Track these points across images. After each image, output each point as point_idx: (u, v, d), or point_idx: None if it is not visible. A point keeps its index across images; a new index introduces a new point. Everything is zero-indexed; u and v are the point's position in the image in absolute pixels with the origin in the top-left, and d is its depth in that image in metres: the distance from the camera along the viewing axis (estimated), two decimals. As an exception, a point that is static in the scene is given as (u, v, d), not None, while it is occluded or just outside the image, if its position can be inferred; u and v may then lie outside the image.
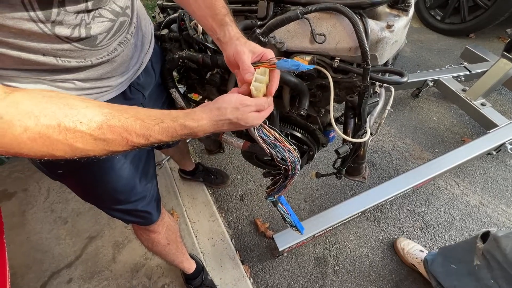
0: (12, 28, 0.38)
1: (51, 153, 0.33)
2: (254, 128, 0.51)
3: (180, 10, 0.82)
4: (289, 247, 1.19)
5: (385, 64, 0.71)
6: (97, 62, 0.50)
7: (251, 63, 0.48)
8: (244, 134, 0.85)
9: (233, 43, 0.49)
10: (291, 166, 0.53)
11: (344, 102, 0.82)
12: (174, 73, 0.86)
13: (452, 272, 0.98)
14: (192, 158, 1.57)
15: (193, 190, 1.54)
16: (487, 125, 1.65)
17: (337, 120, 0.88)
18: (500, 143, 1.54)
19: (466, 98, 1.74)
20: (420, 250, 1.22)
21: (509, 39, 1.57)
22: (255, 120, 0.46)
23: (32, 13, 0.38)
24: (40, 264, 1.28)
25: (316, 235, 1.23)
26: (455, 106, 1.95)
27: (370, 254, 1.32)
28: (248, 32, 0.67)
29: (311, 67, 0.49)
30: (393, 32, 0.62)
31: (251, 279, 1.25)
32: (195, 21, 0.78)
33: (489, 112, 1.67)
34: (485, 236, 0.88)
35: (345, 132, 0.80)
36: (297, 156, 0.53)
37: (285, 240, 1.19)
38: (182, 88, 0.94)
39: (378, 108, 0.85)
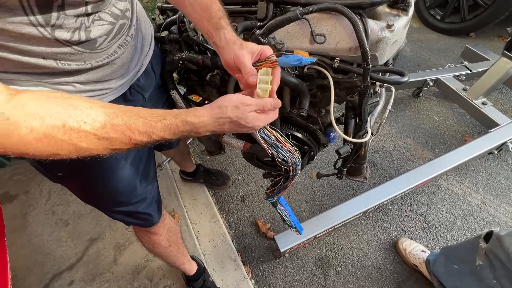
0: (12, 32, 0.38)
1: (56, 153, 0.34)
2: (256, 130, 0.50)
3: (179, 12, 0.82)
4: (291, 248, 1.19)
5: (386, 64, 0.71)
6: (97, 64, 0.50)
7: (252, 64, 0.47)
8: (245, 135, 0.85)
9: (230, 47, 0.49)
10: (292, 167, 0.53)
11: (344, 102, 0.82)
12: (174, 75, 0.86)
13: (454, 272, 0.98)
14: (193, 160, 1.57)
15: (194, 192, 1.54)
16: (488, 124, 1.65)
17: (337, 120, 0.88)
18: (502, 142, 1.53)
19: (467, 97, 1.74)
20: (422, 251, 1.21)
21: (510, 37, 1.57)
22: (255, 121, 0.45)
23: (32, 17, 0.38)
24: (41, 267, 1.28)
25: (317, 236, 1.23)
26: (456, 105, 1.94)
27: (372, 254, 1.31)
28: (248, 33, 0.68)
29: (313, 59, 0.48)
30: (393, 32, 0.62)
31: (252, 280, 1.24)
32: (194, 22, 0.78)
33: (490, 111, 1.67)
34: (488, 236, 0.87)
35: (345, 132, 0.80)
36: (298, 157, 0.53)
37: (287, 241, 1.19)
38: (182, 90, 0.94)
39: (379, 108, 0.85)
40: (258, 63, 0.48)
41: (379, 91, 0.82)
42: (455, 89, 1.81)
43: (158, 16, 0.94)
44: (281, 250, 1.17)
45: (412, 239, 1.33)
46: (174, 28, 0.85)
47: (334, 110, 0.70)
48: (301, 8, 0.61)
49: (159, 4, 0.92)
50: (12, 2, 0.36)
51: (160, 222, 0.84)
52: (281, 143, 0.51)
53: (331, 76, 0.67)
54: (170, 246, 0.94)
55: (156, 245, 0.90)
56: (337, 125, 0.71)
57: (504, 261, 0.79)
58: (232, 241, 1.35)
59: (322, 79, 0.72)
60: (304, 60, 0.46)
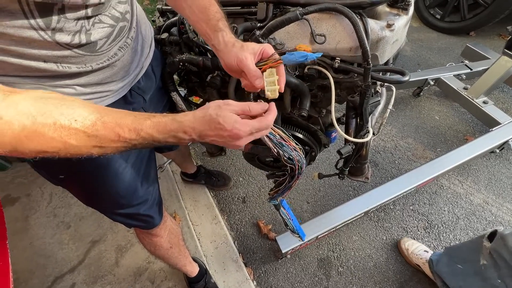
0: (13, 36, 0.38)
1: (44, 150, 0.34)
2: None
3: (179, 14, 0.82)
4: (292, 249, 1.19)
5: (386, 63, 0.71)
6: (98, 67, 0.50)
7: (255, 64, 0.47)
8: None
9: (230, 50, 0.49)
10: (298, 165, 0.52)
11: (345, 102, 0.82)
12: (175, 76, 0.86)
13: (458, 272, 0.97)
14: (194, 161, 1.56)
15: (195, 193, 1.54)
16: (490, 123, 1.64)
17: (338, 120, 0.87)
18: (503, 141, 1.53)
19: (468, 96, 1.73)
20: (424, 250, 1.20)
21: (510, 36, 1.56)
22: (234, 123, 0.41)
23: (32, 21, 0.38)
24: (43, 269, 1.28)
25: (319, 237, 1.22)
26: (456, 104, 1.94)
27: (374, 255, 1.31)
28: (248, 34, 0.68)
29: (319, 55, 0.48)
30: (393, 31, 0.61)
31: (254, 281, 1.24)
32: (194, 24, 0.78)
33: (492, 110, 1.66)
34: (492, 235, 0.87)
35: (347, 132, 0.80)
36: (303, 155, 0.53)
37: (288, 242, 1.18)
38: (182, 91, 0.94)
39: (380, 107, 0.85)
40: (261, 62, 0.47)
41: (380, 91, 0.82)
42: (456, 88, 1.80)
43: (158, 18, 0.94)
44: (283, 251, 1.17)
45: (414, 239, 1.33)
46: (174, 30, 0.85)
47: (335, 110, 0.70)
48: (301, 9, 0.61)
49: (159, 6, 0.92)
50: (12, 6, 0.36)
51: (161, 224, 0.83)
52: (286, 142, 0.50)
53: (332, 76, 0.67)
54: (171, 248, 0.94)
55: (158, 247, 0.90)
56: (338, 125, 0.71)
57: (508, 261, 0.79)
58: (234, 243, 1.35)
59: (322, 79, 0.72)
60: (310, 56, 0.46)
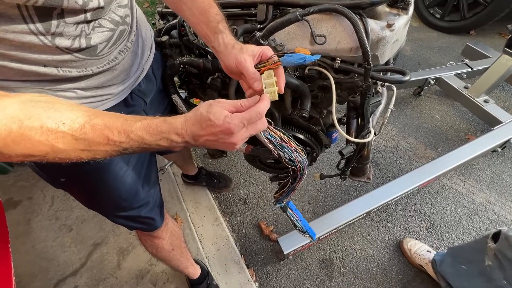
0: (13, 41, 0.38)
1: (31, 154, 0.33)
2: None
3: (179, 17, 0.83)
4: (294, 250, 1.18)
5: (387, 63, 0.71)
6: (98, 71, 0.51)
7: (254, 66, 0.47)
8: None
9: (229, 52, 0.49)
10: (300, 166, 0.52)
11: (346, 103, 0.82)
12: (175, 78, 0.86)
13: (462, 272, 0.97)
14: (195, 163, 1.56)
15: (197, 195, 1.54)
16: (491, 122, 1.64)
17: (339, 120, 0.87)
18: (505, 140, 1.52)
19: (469, 95, 1.73)
20: (427, 251, 1.20)
21: (510, 35, 1.56)
22: (226, 118, 0.39)
23: (32, 26, 0.38)
24: (45, 272, 1.28)
25: (321, 237, 1.22)
26: (457, 103, 1.93)
27: (377, 255, 1.30)
28: (248, 35, 0.68)
29: (318, 56, 0.48)
30: (393, 31, 0.61)
31: (256, 283, 1.24)
32: (194, 26, 0.78)
33: (493, 108, 1.66)
34: (496, 236, 0.86)
35: (348, 132, 0.80)
36: (304, 156, 0.52)
37: (290, 243, 1.18)
38: (183, 93, 0.94)
39: (381, 107, 0.85)
40: (260, 64, 0.47)
41: (380, 91, 0.81)
42: (456, 88, 1.80)
43: (158, 21, 0.94)
44: (285, 252, 1.16)
45: (416, 239, 1.32)
46: (174, 32, 0.85)
47: (336, 110, 0.70)
48: (300, 10, 0.61)
49: (159, 9, 0.92)
50: (12, 12, 0.36)
51: (163, 226, 0.83)
52: (287, 143, 0.50)
53: (332, 77, 0.67)
54: (173, 250, 0.94)
55: (159, 249, 0.90)
56: (339, 126, 0.71)
57: None
58: (236, 244, 1.34)
59: (323, 80, 0.72)
60: (308, 58, 0.46)
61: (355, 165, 0.92)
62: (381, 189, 1.33)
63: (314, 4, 0.61)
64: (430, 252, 1.19)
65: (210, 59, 0.75)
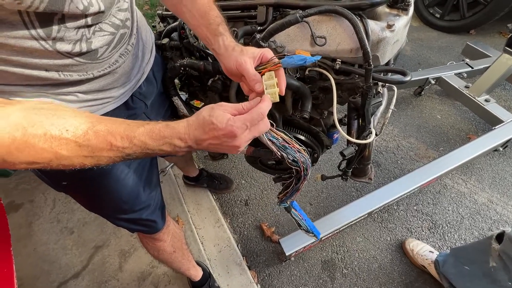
0: (14, 46, 0.38)
1: (35, 161, 0.33)
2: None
3: (180, 19, 0.83)
4: (296, 251, 1.18)
5: (387, 63, 0.71)
6: (99, 74, 0.51)
7: (255, 68, 0.47)
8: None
9: (230, 54, 0.49)
10: (303, 166, 0.52)
11: (346, 103, 0.82)
12: (176, 81, 0.86)
13: (465, 273, 0.96)
14: (196, 164, 1.56)
15: (198, 196, 1.54)
16: (492, 121, 1.63)
17: (340, 121, 0.87)
18: (507, 139, 1.52)
19: (470, 94, 1.73)
20: (430, 251, 1.19)
21: (510, 34, 1.56)
22: (229, 121, 0.39)
23: (33, 31, 0.39)
24: (47, 275, 1.28)
25: (323, 238, 1.21)
26: (458, 103, 1.93)
27: (379, 256, 1.30)
28: (248, 37, 0.68)
29: (318, 57, 0.48)
30: (393, 32, 0.61)
31: (258, 285, 1.23)
32: (195, 28, 0.78)
33: (494, 108, 1.65)
34: (500, 236, 0.86)
35: (349, 133, 0.80)
36: (307, 156, 0.52)
37: (292, 244, 1.18)
38: (184, 95, 0.94)
39: (381, 107, 0.85)
40: (261, 66, 0.47)
41: (381, 91, 0.81)
42: (457, 87, 1.79)
43: (159, 23, 0.94)
44: (287, 254, 1.16)
45: (419, 239, 1.31)
46: (174, 35, 0.85)
47: (336, 111, 0.70)
48: (300, 11, 0.61)
49: (159, 12, 0.93)
50: (13, 18, 0.36)
51: (164, 228, 0.83)
52: (289, 144, 0.50)
53: (333, 78, 0.67)
54: (174, 252, 0.94)
55: (161, 252, 0.90)
56: (340, 126, 0.71)
57: None
58: (237, 246, 1.34)
59: (323, 81, 0.72)
60: (309, 59, 0.46)
61: (357, 165, 0.92)
62: (383, 189, 1.32)
63: (314, 5, 0.61)
64: (433, 252, 1.19)
65: (211, 61, 0.75)
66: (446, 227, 1.38)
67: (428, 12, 2.72)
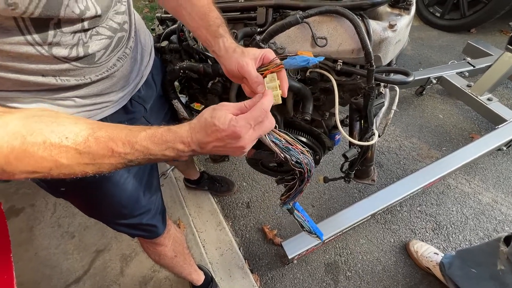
0: (10, 52, 0.38)
1: (34, 171, 0.33)
2: (265, 134, 0.48)
3: (179, 22, 0.82)
4: (299, 254, 1.17)
5: (389, 64, 0.70)
6: (97, 78, 0.50)
7: (257, 69, 0.46)
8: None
9: (231, 56, 0.48)
10: (307, 168, 0.51)
11: (348, 104, 0.81)
12: (176, 83, 0.86)
13: (472, 276, 0.95)
14: (197, 167, 1.56)
15: (199, 199, 1.53)
16: (495, 120, 1.62)
17: (342, 122, 0.86)
18: (511, 138, 1.50)
19: (472, 93, 1.71)
20: (434, 253, 1.18)
21: (512, 32, 1.55)
22: (231, 121, 0.37)
23: (28, 37, 0.38)
24: (48, 280, 1.27)
25: (326, 241, 1.20)
26: (460, 102, 1.91)
27: (383, 258, 1.28)
28: (248, 39, 0.67)
29: (321, 58, 0.47)
30: (395, 32, 0.61)
31: (261, 288, 1.22)
32: (194, 31, 0.77)
33: (497, 107, 1.64)
34: (508, 239, 0.84)
35: (351, 134, 0.79)
36: (311, 158, 0.52)
37: (294, 247, 1.17)
38: (184, 98, 0.93)
39: (384, 108, 0.84)
40: (263, 67, 0.47)
41: (383, 92, 0.80)
42: (459, 86, 1.78)
43: (158, 26, 0.94)
44: (289, 257, 1.15)
45: (423, 240, 1.30)
46: (173, 37, 0.85)
47: (338, 112, 0.69)
48: (301, 12, 0.60)
49: (158, 15, 0.92)
50: (8, 23, 0.36)
51: (165, 233, 0.82)
52: (292, 145, 0.49)
53: (334, 79, 0.66)
54: (176, 257, 0.93)
55: (162, 256, 0.89)
56: (342, 127, 0.70)
57: None
58: (239, 249, 1.33)
59: (325, 82, 0.71)
60: (312, 60, 0.45)
61: (359, 167, 0.91)
62: (386, 190, 1.31)
63: (315, 6, 0.60)
64: (437, 254, 1.17)
65: (211, 63, 0.75)
66: (451, 228, 1.36)
67: (428, 11, 2.71)
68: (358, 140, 0.76)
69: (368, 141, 0.74)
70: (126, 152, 0.36)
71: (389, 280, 1.22)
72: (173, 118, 0.88)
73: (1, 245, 0.85)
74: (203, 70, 0.73)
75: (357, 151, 0.81)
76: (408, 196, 1.32)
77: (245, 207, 1.50)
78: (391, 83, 0.65)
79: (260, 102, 0.40)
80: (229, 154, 0.42)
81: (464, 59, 2.02)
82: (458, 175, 1.56)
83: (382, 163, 1.64)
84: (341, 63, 0.65)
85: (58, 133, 0.33)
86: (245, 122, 0.38)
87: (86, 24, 0.43)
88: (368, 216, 1.25)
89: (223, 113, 0.38)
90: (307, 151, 0.50)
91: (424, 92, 2.00)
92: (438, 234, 1.35)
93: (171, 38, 0.85)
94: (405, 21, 0.63)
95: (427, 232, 1.35)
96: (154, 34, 0.90)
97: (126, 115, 0.62)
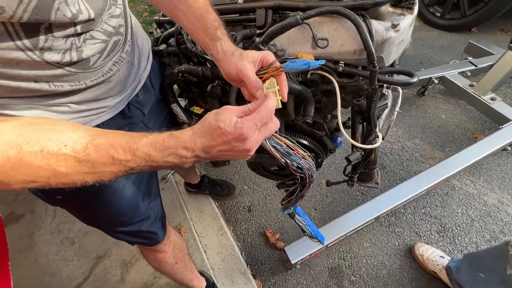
0: None
1: (32, 180, 0.31)
2: (266, 139, 0.47)
3: (177, 25, 0.81)
4: (302, 259, 1.15)
5: (392, 64, 0.68)
6: (92, 84, 0.49)
7: (256, 73, 0.45)
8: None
9: (229, 59, 0.47)
10: (308, 173, 0.50)
11: (350, 106, 0.79)
12: (174, 87, 0.85)
13: (481, 280, 0.92)
14: (198, 171, 1.54)
15: (200, 204, 1.51)
16: (499, 120, 1.60)
17: (344, 124, 0.85)
18: (515, 138, 1.48)
19: (475, 93, 1.69)
20: (440, 256, 1.15)
21: (515, 31, 1.53)
22: (237, 123, 0.36)
23: (18, 42, 0.37)
24: (48, 287, 1.26)
25: (329, 245, 1.18)
26: (463, 102, 1.89)
27: (387, 262, 1.26)
28: (248, 41, 0.66)
29: (323, 62, 0.45)
30: (398, 32, 0.59)
31: (264, 294, 1.20)
32: (192, 33, 0.76)
33: (500, 106, 1.62)
34: None
35: (353, 137, 0.77)
36: (312, 162, 0.50)
37: (297, 252, 1.14)
38: (183, 102, 0.92)
39: (386, 110, 0.82)
40: (262, 71, 0.45)
41: (386, 93, 0.79)
42: (461, 86, 1.76)
43: (156, 29, 0.93)
44: (292, 262, 1.13)
45: (428, 243, 1.27)
46: (172, 40, 0.84)
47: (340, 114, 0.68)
48: (301, 13, 0.59)
49: (156, 18, 0.91)
50: None
51: (165, 239, 0.81)
52: (293, 150, 0.48)
53: (336, 81, 0.64)
54: (176, 264, 0.91)
55: (162, 263, 0.87)
56: (344, 130, 0.69)
57: None
58: (241, 254, 1.31)
59: (326, 84, 0.70)
60: (313, 63, 0.43)
61: (362, 170, 0.89)
62: (389, 192, 1.29)
63: (315, 6, 0.59)
64: (443, 257, 1.15)
65: (209, 66, 0.73)
66: (456, 230, 1.33)
67: (428, 11, 2.70)
68: (362, 143, 0.74)
69: (372, 144, 0.72)
70: (127, 159, 0.35)
71: (395, 284, 1.19)
72: (172, 122, 0.87)
73: (-2, 254, 0.84)
74: (202, 73, 0.72)
75: (361, 154, 0.79)
76: (412, 198, 1.30)
77: (247, 211, 1.48)
78: (394, 84, 0.63)
79: (265, 104, 0.39)
80: (234, 158, 0.41)
81: (466, 58, 2.00)
82: (463, 176, 1.53)
83: (385, 165, 1.62)
84: (343, 65, 0.63)
85: (56, 141, 0.32)
86: (251, 123, 0.37)
87: (79, 28, 0.42)
88: (372, 219, 1.22)
89: (227, 116, 0.37)
90: (309, 155, 0.49)
91: (426, 93, 1.98)
92: (443, 236, 1.32)
93: (169, 41, 0.84)
94: (408, 20, 0.61)
95: (432, 234, 1.33)
96: (152, 38, 0.89)
97: (124, 120, 0.61)
